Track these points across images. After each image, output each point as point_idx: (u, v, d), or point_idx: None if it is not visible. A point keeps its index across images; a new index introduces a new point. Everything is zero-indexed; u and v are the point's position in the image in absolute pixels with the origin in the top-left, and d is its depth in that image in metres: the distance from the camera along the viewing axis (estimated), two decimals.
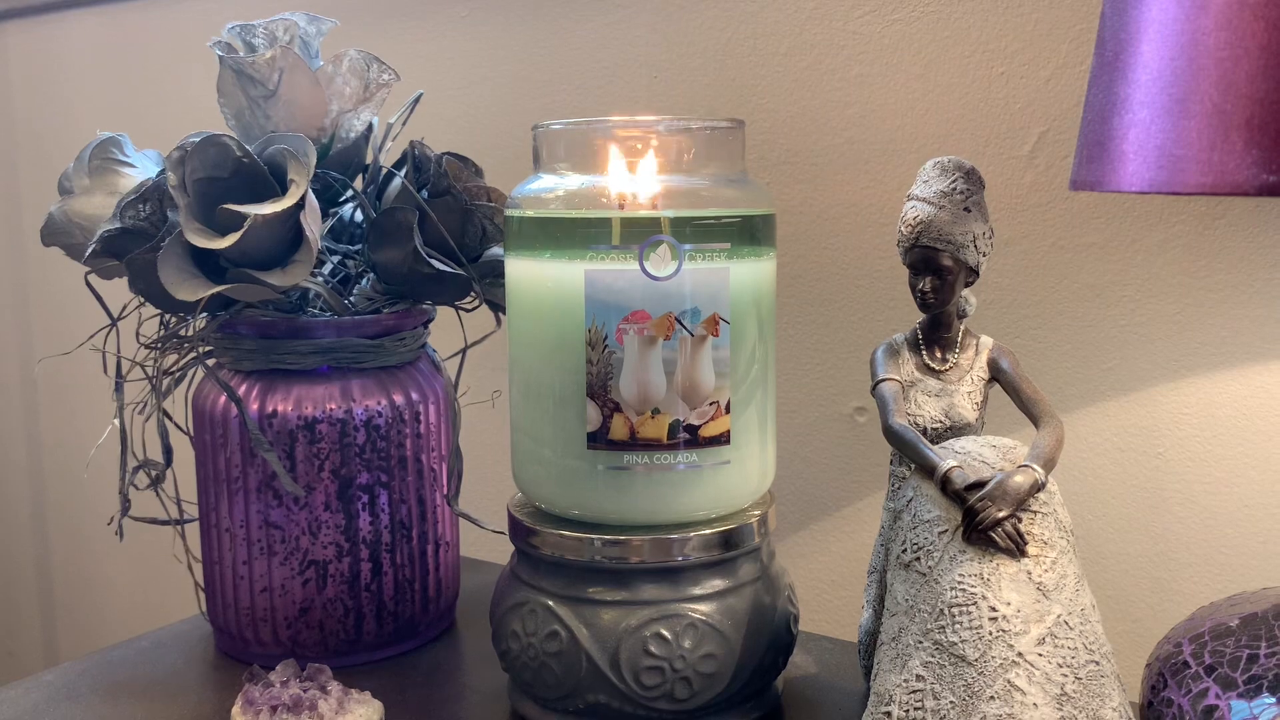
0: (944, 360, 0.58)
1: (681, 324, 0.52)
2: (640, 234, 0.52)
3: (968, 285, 0.57)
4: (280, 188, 0.54)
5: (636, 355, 0.52)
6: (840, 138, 0.77)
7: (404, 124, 0.73)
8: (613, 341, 0.52)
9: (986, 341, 0.58)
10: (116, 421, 0.68)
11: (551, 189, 0.55)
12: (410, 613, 0.67)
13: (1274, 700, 0.41)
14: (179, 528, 0.68)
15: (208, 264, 0.54)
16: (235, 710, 0.56)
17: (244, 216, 0.52)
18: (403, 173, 0.66)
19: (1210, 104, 0.37)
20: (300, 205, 0.52)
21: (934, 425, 0.56)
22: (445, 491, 0.68)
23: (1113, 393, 0.71)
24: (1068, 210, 0.71)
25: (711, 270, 0.53)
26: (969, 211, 0.55)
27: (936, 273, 0.55)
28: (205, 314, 0.61)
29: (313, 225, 0.54)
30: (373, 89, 0.64)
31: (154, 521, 0.68)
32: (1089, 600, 0.48)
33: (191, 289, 0.52)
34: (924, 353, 0.58)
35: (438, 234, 0.62)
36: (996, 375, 0.57)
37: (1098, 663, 0.46)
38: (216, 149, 0.53)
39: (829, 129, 0.77)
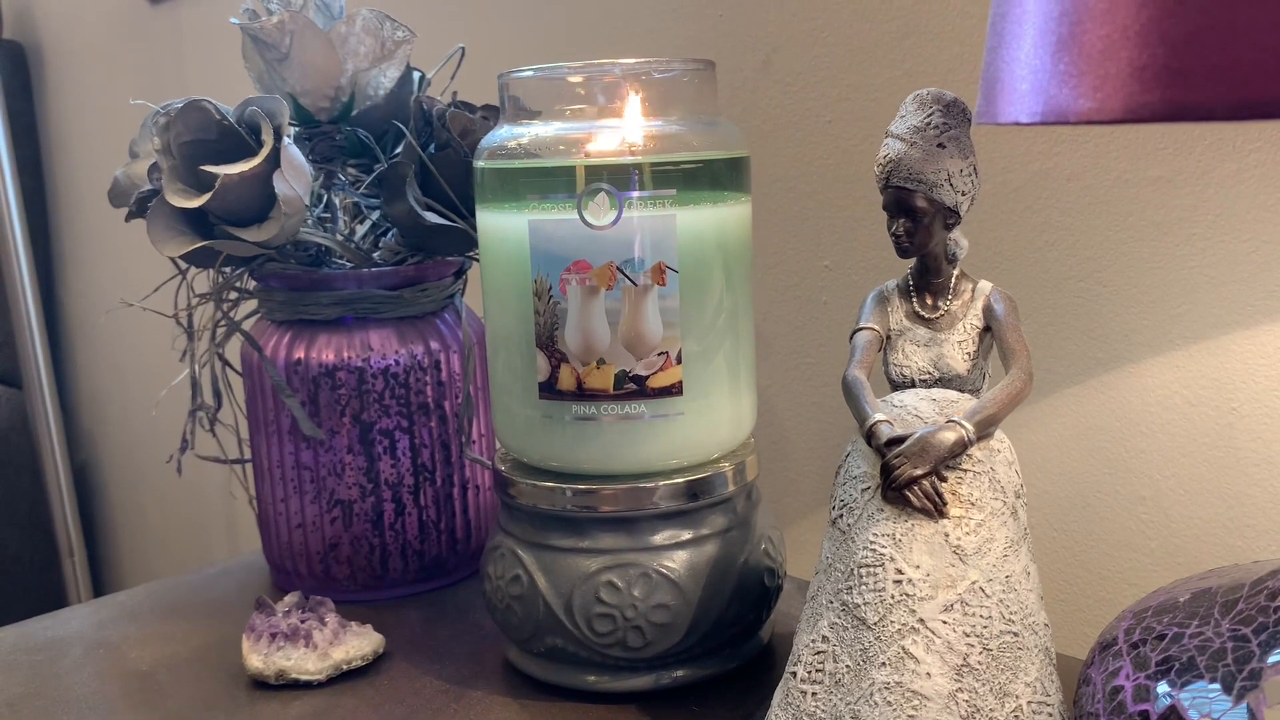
0: (934, 308, 0.54)
1: (623, 273, 0.52)
2: (583, 183, 0.51)
3: (948, 227, 0.53)
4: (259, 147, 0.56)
5: (579, 305, 0.52)
6: (899, 70, 0.73)
7: (453, 77, 0.75)
8: (556, 292, 0.52)
9: (984, 287, 0.54)
10: (188, 369, 0.74)
11: (507, 139, 0.55)
12: (437, 552, 0.70)
13: (1172, 688, 0.37)
14: (239, 467, 0.74)
15: (202, 222, 0.58)
16: (243, 636, 0.61)
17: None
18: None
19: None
20: (273, 163, 0.55)
21: (922, 377, 0.53)
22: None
23: (1181, 341, 0.65)
24: (1132, 141, 0.65)
25: (657, 218, 0.52)
26: (943, 148, 0.51)
27: (910, 214, 0.52)
28: (228, 268, 0.65)
29: (293, 182, 0.56)
30: (390, 46, 0.66)
31: (212, 459, 0.73)
32: (1021, 567, 0.45)
33: (177, 245, 0.56)
34: (914, 300, 0.55)
35: (440, 187, 0.64)
36: (990, 322, 0.53)
37: (1016, 634, 0.43)
38: (198, 113, 0.56)
39: (888, 62, 0.73)
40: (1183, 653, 0.39)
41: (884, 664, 0.42)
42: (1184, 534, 0.66)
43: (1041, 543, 0.70)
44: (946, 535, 0.44)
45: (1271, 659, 0.36)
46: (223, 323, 0.70)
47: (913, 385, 0.53)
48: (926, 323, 0.54)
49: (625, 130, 0.53)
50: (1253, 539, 0.63)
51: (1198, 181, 0.63)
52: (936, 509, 0.44)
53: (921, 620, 0.42)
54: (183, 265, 0.74)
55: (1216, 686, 0.37)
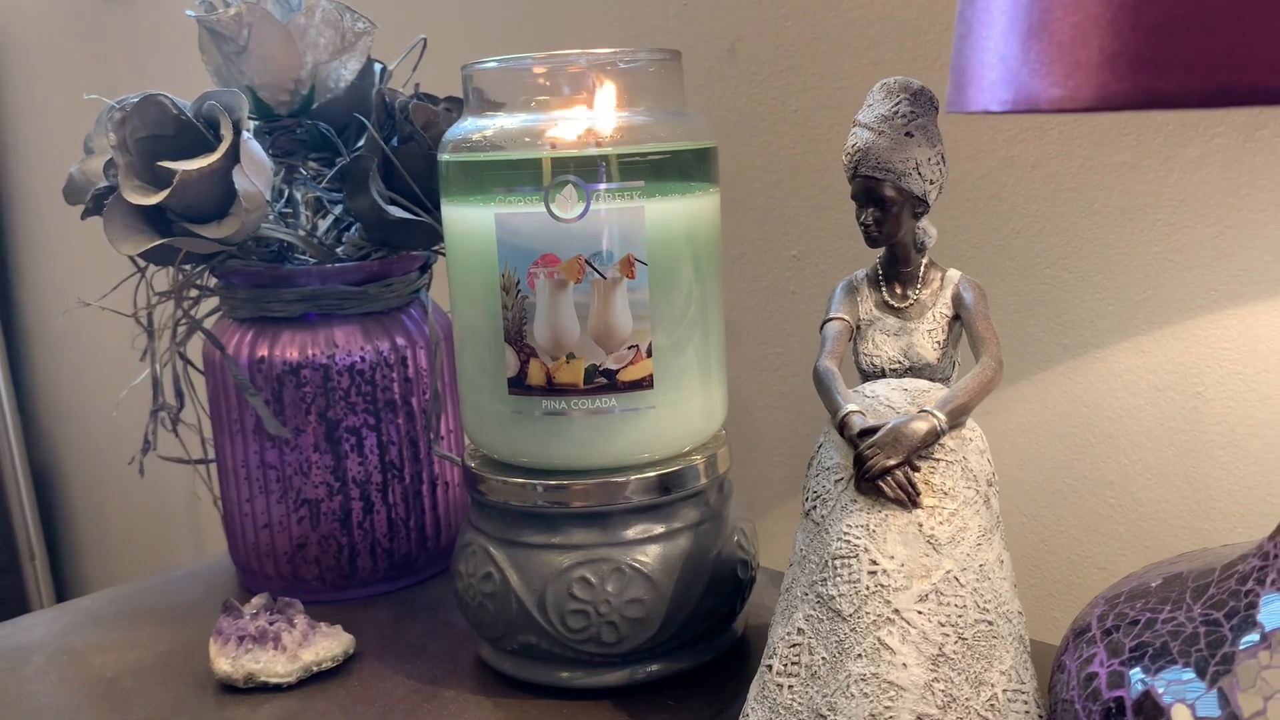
0: (904, 297, 0.54)
1: (592, 266, 0.51)
2: (550, 175, 0.51)
3: (917, 216, 0.53)
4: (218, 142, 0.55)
5: (548, 299, 0.52)
6: (864, 59, 0.73)
7: (414, 69, 0.74)
8: (525, 286, 0.52)
9: (953, 275, 0.54)
10: (149, 368, 0.72)
11: (472, 132, 0.54)
12: (407, 550, 0.69)
13: (1146, 674, 0.37)
14: (202, 468, 0.72)
15: (160, 219, 0.57)
16: (210, 640, 0.60)
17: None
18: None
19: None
20: (232, 158, 0.54)
21: (892, 366, 0.53)
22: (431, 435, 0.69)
23: (1147, 326, 0.65)
24: (1096, 128, 0.65)
25: (625, 210, 0.51)
26: (911, 136, 0.51)
27: (879, 204, 0.52)
28: (188, 266, 0.64)
29: (253, 178, 0.55)
30: (350, 38, 0.65)
31: (175, 460, 0.72)
32: (995, 555, 0.45)
33: (135, 243, 0.55)
34: (883, 289, 0.54)
35: (404, 180, 0.63)
36: (959, 310, 0.53)
37: (990, 622, 0.43)
38: (155, 108, 0.55)
39: (853, 50, 0.73)
40: (1156, 638, 0.39)
41: (860, 655, 0.42)
42: (1151, 518, 0.66)
43: (1010, 529, 0.70)
44: (920, 525, 0.44)
45: (1244, 643, 0.36)
46: (183, 321, 0.69)
47: (883, 375, 0.53)
48: (896, 312, 0.54)
49: (592, 121, 0.52)
50: (1219, 521, 0.64)
51: (1161, 167, 0.63)
52: (910, 499, 0.44)
53: (897, 611, 0.42)
54: (141, 263, 0.72)
55: (1190, 672, 0.37)
